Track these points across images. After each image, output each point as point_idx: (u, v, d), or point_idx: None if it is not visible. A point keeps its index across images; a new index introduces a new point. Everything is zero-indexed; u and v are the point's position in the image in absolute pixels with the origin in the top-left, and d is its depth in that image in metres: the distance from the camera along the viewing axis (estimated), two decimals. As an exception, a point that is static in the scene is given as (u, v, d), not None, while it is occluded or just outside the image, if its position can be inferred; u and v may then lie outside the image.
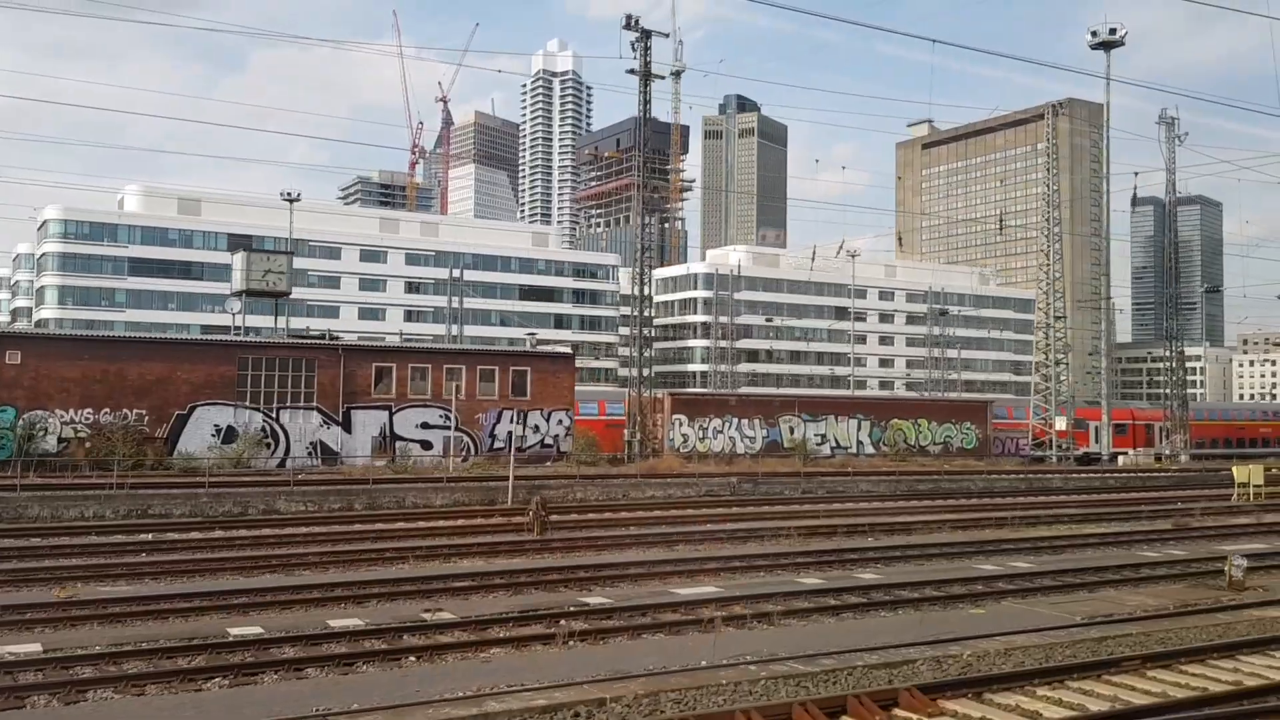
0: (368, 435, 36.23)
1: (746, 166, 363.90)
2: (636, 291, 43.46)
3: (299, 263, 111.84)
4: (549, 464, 38.46)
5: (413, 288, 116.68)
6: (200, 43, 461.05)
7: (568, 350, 44.99)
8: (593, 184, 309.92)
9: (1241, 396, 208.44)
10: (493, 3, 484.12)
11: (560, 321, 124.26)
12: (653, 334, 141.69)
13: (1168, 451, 58.59)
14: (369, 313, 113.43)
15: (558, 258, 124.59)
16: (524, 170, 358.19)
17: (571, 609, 15.74)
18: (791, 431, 46.17)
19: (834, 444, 47.25)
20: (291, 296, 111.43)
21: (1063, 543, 24.21)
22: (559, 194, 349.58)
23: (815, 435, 46.62)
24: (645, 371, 43.33)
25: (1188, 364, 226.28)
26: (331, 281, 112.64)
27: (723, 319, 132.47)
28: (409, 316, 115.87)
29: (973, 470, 43.40)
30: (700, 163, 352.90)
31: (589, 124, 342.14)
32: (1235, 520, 29.61)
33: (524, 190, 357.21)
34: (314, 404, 35.39)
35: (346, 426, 35.97)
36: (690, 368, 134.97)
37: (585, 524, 26.04)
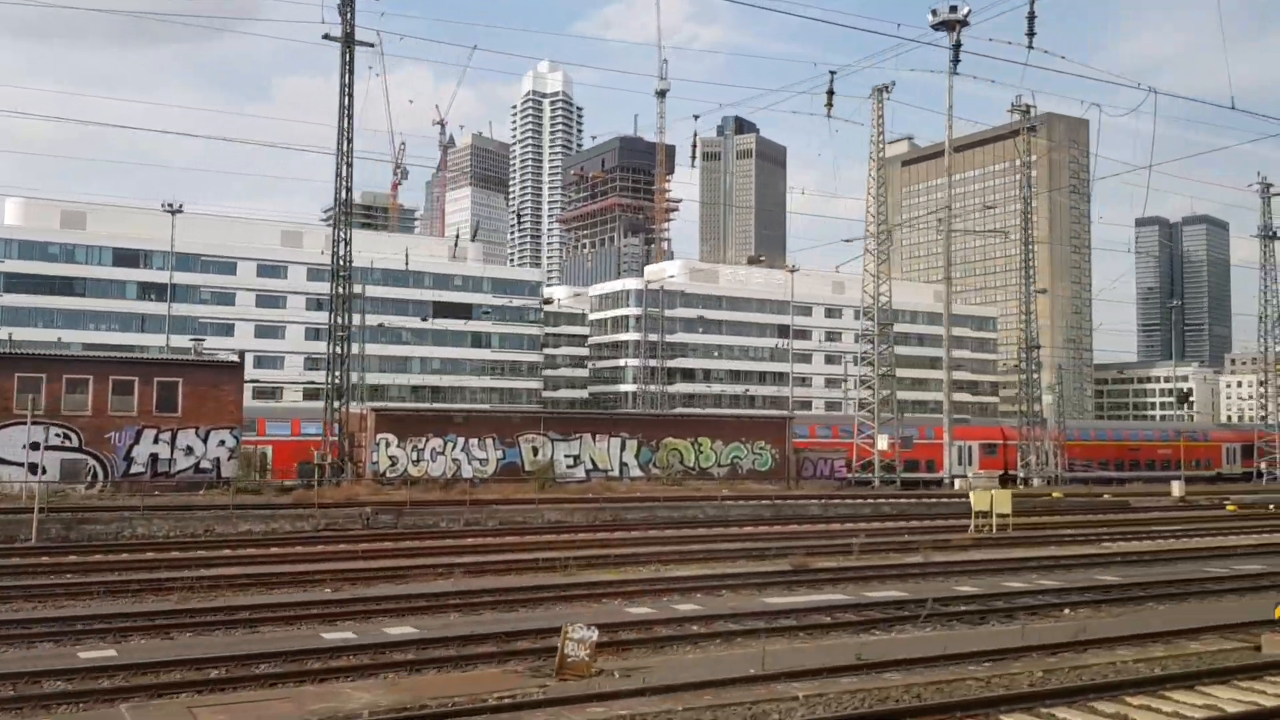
0: (-49, 457, 31.02)
1: (745, 188, 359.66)
2: (334, 290, 38.21)
3: (189, 278, 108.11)
4: (201, 492, 32.96)
5: (316, 304, 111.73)
6: (224, 73, 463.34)
7: (234, 358, 39.61)
8: (578, 205, 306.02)
9: (1229, 418, 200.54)
10: (501, 27, 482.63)
11: (478, 340, 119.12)
12: (587, 352, 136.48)
13: (1020, 475, 52.47)
14: (267, 330, 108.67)
15: (475, 273, 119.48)
16: (514, 191, 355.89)
17: None
18: (535, 452, 40.55)
19: (590, 466, 41.55)
20: (178, 314, 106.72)
21: (580, 592, 18.50)
22: (549, 214, 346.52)
23: (566, 456, 40.95)
24: (343, 380, 37.85)
25: (1179, 385, 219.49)
26: (226, 298, 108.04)
27: (653, 336, 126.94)
28: (310, 334, 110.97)
29: (727, 495, 37.51)
30: (698, 184, 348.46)
31: (579, 145, 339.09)
32: (900, 560, 23.68)
33: (513, 211, 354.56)
34: (-123, 420, 30.23)
35: (-78, 446, 30.77)
36: (622, 388, 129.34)
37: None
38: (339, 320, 39.68)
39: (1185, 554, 26.08)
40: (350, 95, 36.95)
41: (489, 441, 39.96)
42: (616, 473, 41.65)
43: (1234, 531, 31.94)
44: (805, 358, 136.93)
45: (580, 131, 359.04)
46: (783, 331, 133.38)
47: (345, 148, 37.07)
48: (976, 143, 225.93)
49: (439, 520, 30.33)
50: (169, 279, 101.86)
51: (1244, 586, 20.24)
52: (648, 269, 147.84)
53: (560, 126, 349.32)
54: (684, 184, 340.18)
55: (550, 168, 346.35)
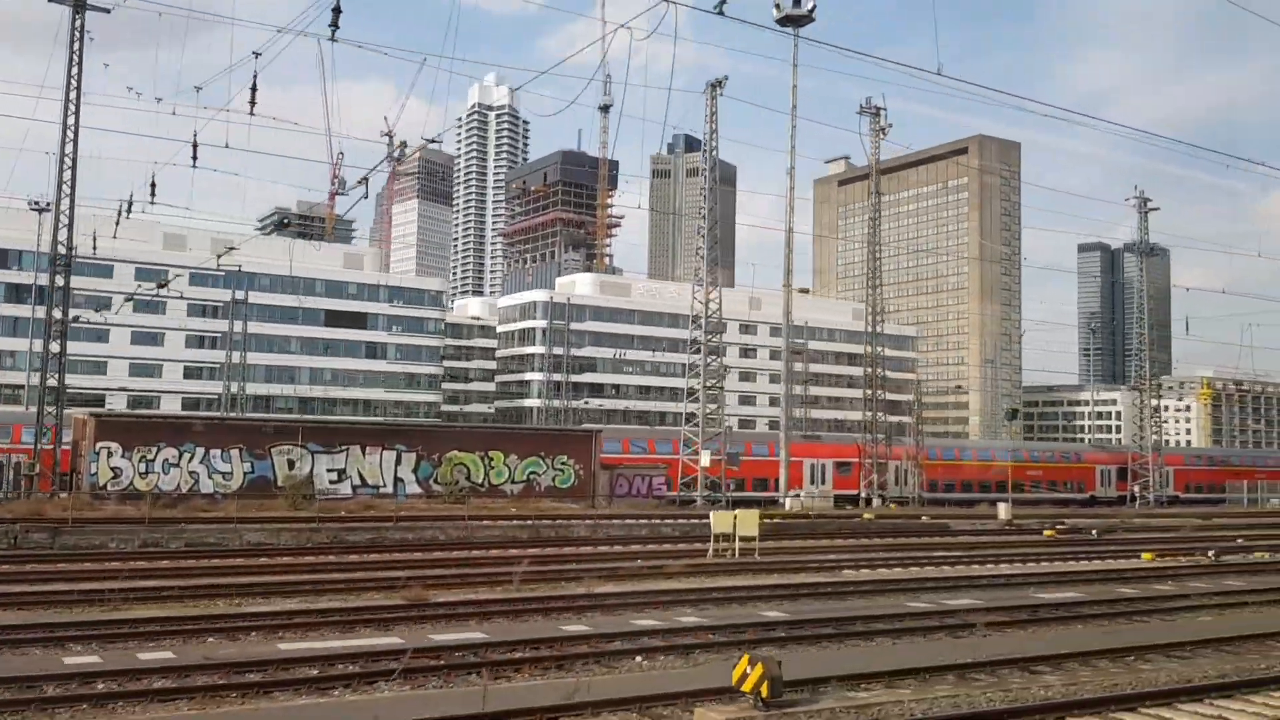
0: None
1: (695, 206, 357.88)
2: (45, 279, 34.44)
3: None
4: None
5: (200, 310, 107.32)
6: (182, 81, 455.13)
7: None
8: (520, 219, 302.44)
9: (1156, 440, 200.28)
10: (458, 39, 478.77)
11: (374, 350, 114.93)
12: (494, 366, 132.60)
13: (863, 495, 49.55)
14: (145, 338, 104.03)
15: (371, 280, 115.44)
16: (458, 205, 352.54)
17: None
18: (291, 466, 36.94)
19: (357, 481, 37.97)
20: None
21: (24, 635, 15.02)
22: (493, 228, 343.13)
23: (330, 471, 37.38)
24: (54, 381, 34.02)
25: (1106, 408, 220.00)
26: (101, 303, 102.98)
27: (560, 350, 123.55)
28: (193, 342, 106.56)
29: (479, 516, 34.01)
30: (648, 201, 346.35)
31: (525, 158, 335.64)
32: (555, 592, 20.37)
33: (458, 225, 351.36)
34: None
35: None
36: (527, 403, 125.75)
37: None
38: (57, 315, 35.71)
39: (915, 584, 23.03)
40: (80, 65, 33.29)
41: (234, 453, 36.23)
42: (390, 489, 38.07)
43: (1011, 559, 28.98)
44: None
45: (526, 145, 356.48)
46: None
47: (71, 121, 33.33)
48: (910, 164, 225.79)
49: (109, 541, 26.61)
50: (33, 280, 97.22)
51: (900, 628, 17.14)
52: (558, 281, 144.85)
53: (506, 140, 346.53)
54: (632, 199, 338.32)
55: (495, 181, 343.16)
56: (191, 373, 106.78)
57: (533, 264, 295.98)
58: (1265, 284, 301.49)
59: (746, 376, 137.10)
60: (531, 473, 41.24)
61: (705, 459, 44.15)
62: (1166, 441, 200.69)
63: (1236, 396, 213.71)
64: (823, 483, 55.40)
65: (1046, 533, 37.55)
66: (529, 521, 32.81)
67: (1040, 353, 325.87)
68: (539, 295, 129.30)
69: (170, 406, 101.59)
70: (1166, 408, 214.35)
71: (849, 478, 55.06)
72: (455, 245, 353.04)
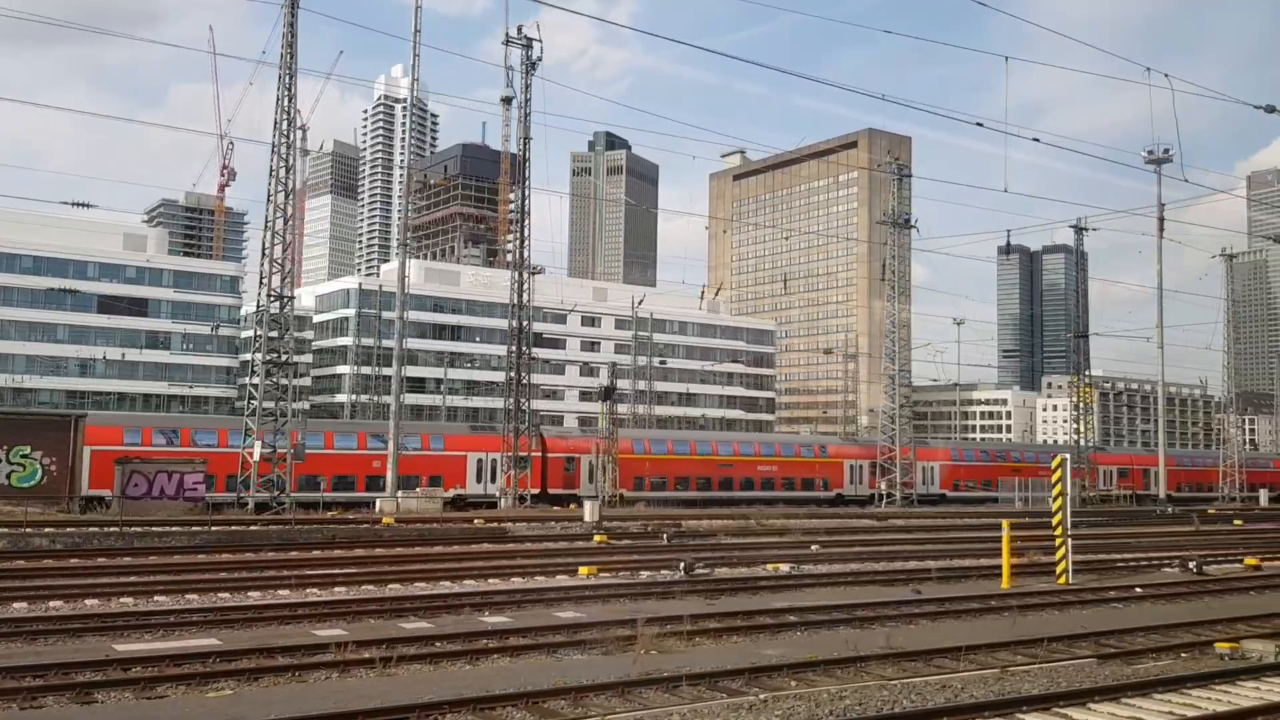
0: None
1: (616, 204, 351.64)
2: None
3: None
4: None
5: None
6: (122, 79, 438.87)
7: None
8: (423, 213, 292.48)
9: (1045, 440, 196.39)
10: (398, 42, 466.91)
11: (157, 340, 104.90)
12: (310, 359, 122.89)
13: (498, 493, 41.30)
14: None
15: (156, 264, 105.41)
16: (363, 199, 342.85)
17: None
18: None
19: None
20: None
21: None
22: (399, 222, 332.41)
23: None
24: None
25: (998, 407, 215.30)
26: None
27: (371, 342, 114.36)
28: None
29: None
30: (568, 199, 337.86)
31: (433, 151, 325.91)
32: None
33: (363, 219, 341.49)
34: None
35: None
36: (339, 398, 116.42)
37: None
38: None
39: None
40: None
41: None
42: None
43: (419, 576, 20.81)
44: (559, 369, 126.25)
45: (435, 139, 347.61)
46: (537, 340, 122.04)
47: None
48: (804, 157, 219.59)
49: None
50: None
51: None
52: (383, 268, 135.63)
53: (414, 133, 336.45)
54: (546, 197, 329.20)
55: (401, 175, 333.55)
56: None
57: (434, 260, 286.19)
58: (1186, 284, 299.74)
59: (590, 371, 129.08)
60: (-26, 466, 32.52)
61: (257, 451, 35.66)
62: (1055, 440, 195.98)
63: (1125, 397, 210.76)
64: (493, 480, 47.21)
65: (598, 538, 29.47)
66: None
67: (962, 350, 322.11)
68: (350, 283, 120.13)
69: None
70: (1055, 406, 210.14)
71: (524, 474, 46.83)
72: (361, 240, 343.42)
